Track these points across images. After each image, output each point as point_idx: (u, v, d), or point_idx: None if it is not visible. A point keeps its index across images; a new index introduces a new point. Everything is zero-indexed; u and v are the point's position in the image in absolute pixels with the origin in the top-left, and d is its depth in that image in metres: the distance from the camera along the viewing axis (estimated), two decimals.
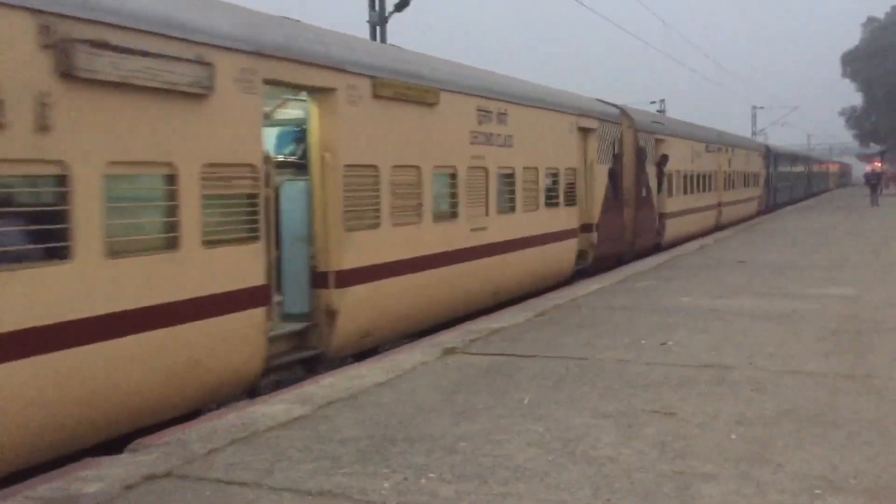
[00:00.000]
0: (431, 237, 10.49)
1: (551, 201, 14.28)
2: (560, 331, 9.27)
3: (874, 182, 42.84)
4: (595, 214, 16.30)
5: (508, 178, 12.71)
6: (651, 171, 20.37)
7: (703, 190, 26.32)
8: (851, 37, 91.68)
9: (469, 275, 11.32)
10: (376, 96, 9.35)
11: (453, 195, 11.13)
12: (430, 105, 10.44)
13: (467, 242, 11.31)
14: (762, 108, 75.67)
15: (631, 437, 5.44)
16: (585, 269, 15.90)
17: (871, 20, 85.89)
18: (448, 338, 9.09)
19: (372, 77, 9.30)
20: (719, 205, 28.83)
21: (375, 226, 9.37)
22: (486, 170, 11.84)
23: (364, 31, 19.35)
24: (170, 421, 6.45)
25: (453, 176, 11.09)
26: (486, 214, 11.90)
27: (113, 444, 6.11)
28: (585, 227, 15.97)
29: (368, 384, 7.01)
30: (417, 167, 10.20)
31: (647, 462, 4.96)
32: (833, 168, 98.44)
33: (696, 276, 14.01)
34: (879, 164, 61.10)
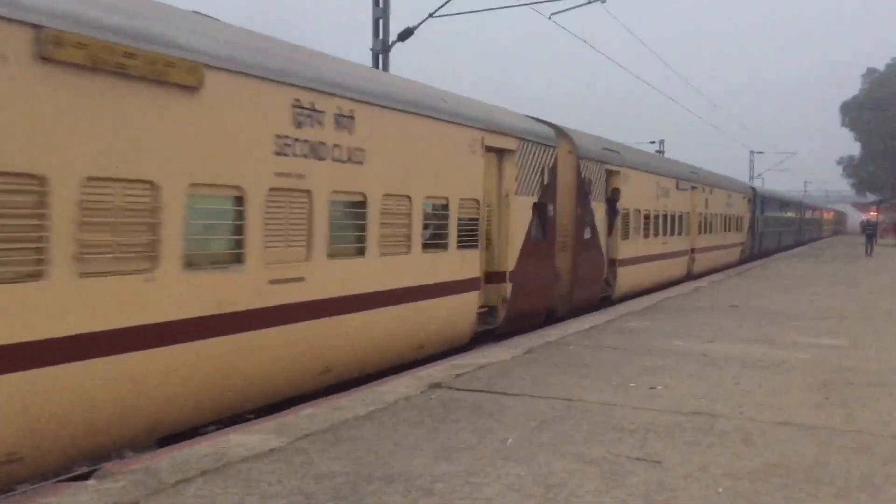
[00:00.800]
0: (176, 294, 6.92)
1: (435, 242, 10.93)
2: (548, 369, 9.11)
3: (870, 232, 42.78)
4: (510, 260, 12.78)
5: (354, 209, 9.34)
6: (598, 208, 17.02)
7: (671, 233, 22.91)
8: (851, 86, 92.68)
9: (266, 347, 7.95)
10: (47, 59, 5.79)
11: (236, 229, 7.64)
12: (185, 88, 6.95)
13: (262, 299, 7.85)
14: (761, 152, 75.98)
15: (614, 485, 5.28)
16: (495, 328, 12.58)
17: (870, 71, 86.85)
18: (434, 371, 8.93)
19: (38, 27, 5.73)
20: (692, 251, 25.68)
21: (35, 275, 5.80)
22: (308, 194, 8.42)
23: (367, 59, 19.38)
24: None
25: (238, 200, 7.60)
26: (307, 259, 8.45)
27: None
28: (495, 277, 12.60)
29: (349, 416, 6.84)
30: (152, 183, 6.67)
31: None
32: (827, 215, 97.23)
33: (688, 319, 13.88)
34: (875, 214, 61.43)
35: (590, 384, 8.35)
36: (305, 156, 8.40)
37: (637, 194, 19.58)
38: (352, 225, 9.38)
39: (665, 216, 22.22)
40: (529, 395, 7.77)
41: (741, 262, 34.04)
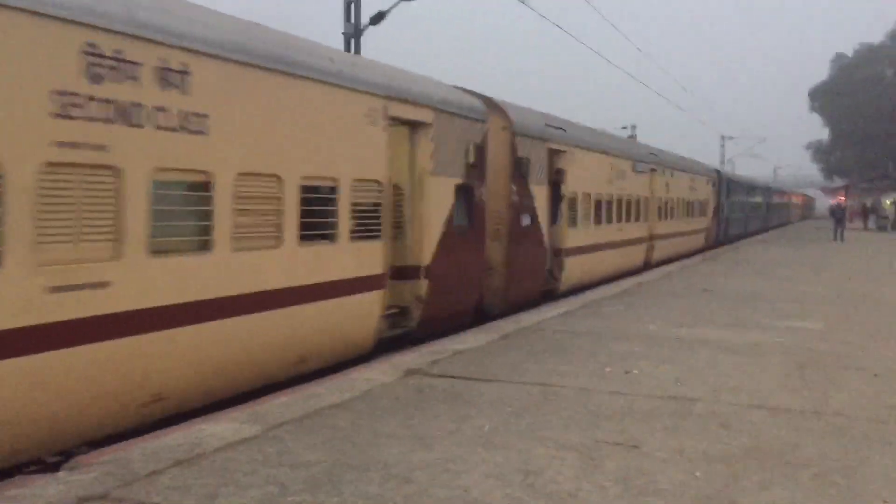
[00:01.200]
0: None
1: (320, 232, 8.96)
2: (524, 355, 9.08)
3: (839, 216, 41.89)
4: (426, 252, 10.99)
5: (193, 191, 7.49)
6: (540, 191, 15.18)
7: (627, 219, 21.29)
8: (820, 72, 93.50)
9: (51, 377, 6.08)
10: None
11: None
12: None
13: (36, 313, 5.92)
14: (732, 138, 76.47)
15: (593, 470, 5.25)
16: (408, 333, 10.86)
17: (839, 56, 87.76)
18: (409, 358, 8.86)
19: None
20: (650, 238, 24.06)
21: None
22: (114, 170, 6.49)
23: (339, 43, 19.19)
24: None
25: None
26: (115, 257, 6.52)
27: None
28: (407, 272, 10.87)
29: (324, 404, 6.76)
30: None
31: (609, 499, 4.77)
32: (795, 199, 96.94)
33: (662, 304, 13.92)
34: (843, 198, 62.00)
35: (566, 369, 8.33)
36: (108, 120, 6.42)
37: (587, 177, 17.81)
38: (189, 212, 7.45)
39: (620, 201, 20.62)
40: (506, 381, 7.73)
41: (706, 248, 32.54)
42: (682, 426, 6.33)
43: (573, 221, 17.09)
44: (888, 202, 62.18)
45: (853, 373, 8.49)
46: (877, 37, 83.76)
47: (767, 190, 60.99)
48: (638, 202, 22.41)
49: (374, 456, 5.44)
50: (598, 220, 18.86)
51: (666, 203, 25.89)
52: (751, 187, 50.47)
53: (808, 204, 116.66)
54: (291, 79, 8.44)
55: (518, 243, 14.21)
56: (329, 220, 9.15)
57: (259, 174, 8.00)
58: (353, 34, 19.59)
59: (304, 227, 8.60)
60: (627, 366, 8.53)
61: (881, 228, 55.74)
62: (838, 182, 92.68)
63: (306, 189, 8.64)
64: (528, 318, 12.01)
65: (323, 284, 8.99)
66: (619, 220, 20.64)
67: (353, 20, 19.61)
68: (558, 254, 16.43)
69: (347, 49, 19.28)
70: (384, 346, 10.29)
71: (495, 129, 13.58)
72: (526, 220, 14.57)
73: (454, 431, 6.05)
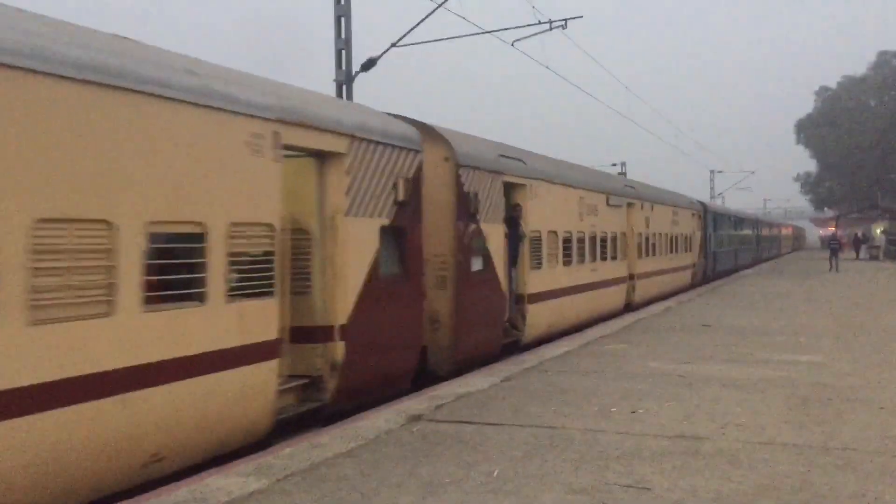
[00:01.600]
0: None
1: (177, 292, 6.98)
2: (527, 397, 9.03)
3: (835, 246, 41.89)
4: (341, 309, 9.15)
5: None
6: (495, 231, 13.27)
7: (603, 258, 19.37)
8: (805, 105, 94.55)
9: None
10: None
11: None
12: None
13: None
14: (721, 172, 77.02)
15: None
16: (321, 408, 9.00)
17: (823, 89, 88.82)
18: (413, 403, 8.80)
19: None
20: (631, 277, 22.16)
21: None
22: None
23: (332, 90, 19.35)
24: None
25: None
26: None
27: None
28: (318, 335, 9.07)
29: (329, 454, 6.69)
30: None
31: None
32: (786, 231, 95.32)
33: (662, 340, 13.90)
34: (833, 229, 62.32)
35: (571, 411, 8.28)
36: None
37: (552, 213, 15.90)
38: None
39: (594, 238, 18.67)
40: (512, 425, 7.68)
41: (693, 285, 30.57)
42: (692, 465, 6.28)
43: (537, 263, 15.07)
44: (878, 231, 62.52)
45: (858, 406, 8.45)
46: (860, 70, 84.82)
47: (756, 222, 59.17)
48: (615, 239, 20.51)
49: None
50: (567, 261, 16.84)
51: (647, 239, 23.85)
52: (738, 220, 49.06)
53: (799, 235, 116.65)
54: (128, 95, 6.46)
55: (469, 291, 12.15)
56: (193, 275, 7.15)
57: (78, 220, 6.04)
58: (345, 80, 19.78)
59: (150, 286, 6.61)
60: (632, 405, 8.48)
61: (873, 258, 55.99)
62: (828, 213, 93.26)
63: (156, 237, 6.71)
64: (528, 359, 11.96)
65: (180, 360, 6.88)
66: (594, 259, 18.65)
67: (344, 67, 19.81)
68: (520, 301, 14.42)
69: (339, 96, 19.45)
70: (292, 425, 8.51)
71: (434, 161, 11.73)
72: (477, 265, 12.61)
73: (462, 478, 5.99)
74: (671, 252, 27.32)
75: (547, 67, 22.69)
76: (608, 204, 19.89)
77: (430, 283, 11.70)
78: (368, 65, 20.05)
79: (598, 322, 17.87)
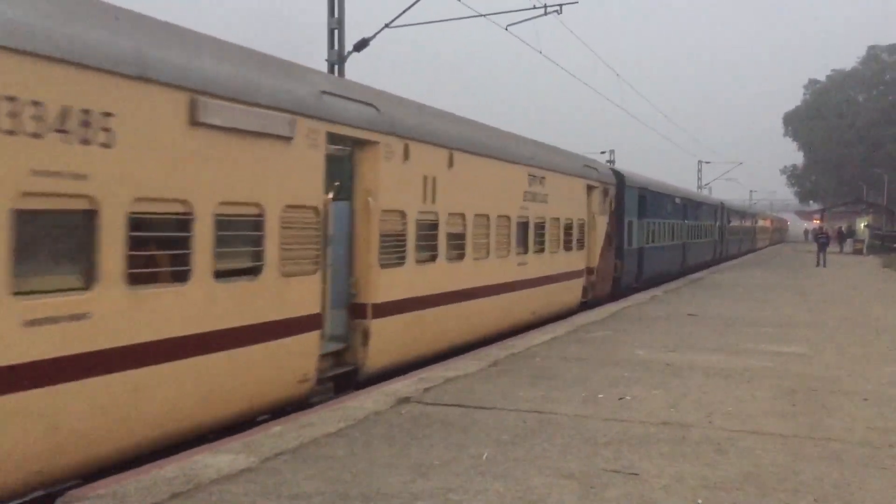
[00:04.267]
0: None
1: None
2: (515, 382, 9.06)
3: (823, 240, 39.02)
4: None
5: None
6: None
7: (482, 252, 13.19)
8: (794, 98, 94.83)
9: None
10: None
11: None
12: None
13: None
14: (708, 162, 77.03)
15: (594, 499, 5.24)
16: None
17: (812, 82, 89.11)
18: (401, 386, 8.82)
19: None
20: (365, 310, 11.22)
21: None
22: None
23: (322, 68, 19.24)
24: None
25: None
26: None
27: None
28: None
29: (319, 434, 6.70)
30: None
31: None
32: (763, 222, 77.29)
33: (649, 329, 13.96)
34: (818, 221, 62.43)
35: (559, 396, 8.32)
36: None
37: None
38: None
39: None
40: (500, 409, 7.71)
41: (590, 302, 19.40)
42: (680, 452, 6.33)
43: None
44: (862, 225, 62.98)
45: (843, 397, 8.54)
46: (850, 64, 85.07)
47: (717, 210, 44.87)
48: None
49: (373, 486, 5.39)
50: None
51: (440, 226, 12.08)
52: (691, 203, 35.37)
53: (779, 227, 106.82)
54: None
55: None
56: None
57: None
58: (337, 60, 19.66)
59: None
60: (620, 392, 8.53)
61: (857, 252, 56.34)
62: (814, 206, 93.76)
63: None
64: (517, 344, 11.99)
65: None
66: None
67: (336, 47, 19.68)
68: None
69: (332, 74, 19.34)
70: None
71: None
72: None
73: (452, 460, 6.01)
74: (521, 249, 15.24)
75: (540, 52, 22.61)
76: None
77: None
78: (361, 45, 19.94)
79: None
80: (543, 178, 16.30)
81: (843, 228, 66.65)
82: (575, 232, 18.37)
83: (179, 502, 5.03)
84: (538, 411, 7.62)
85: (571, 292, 18.28)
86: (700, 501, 5.22)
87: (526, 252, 15.43)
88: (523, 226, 15.28)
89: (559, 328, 14.05)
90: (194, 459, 5.99)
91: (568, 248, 17.93)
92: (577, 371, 9.77)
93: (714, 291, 22.71)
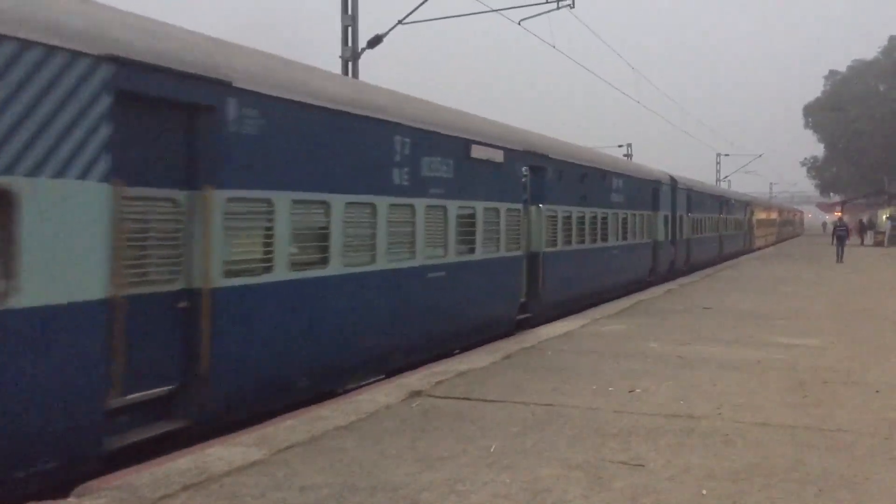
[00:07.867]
0: None
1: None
2: (527, 375, 9.11)
3: (842, 233, 36.61)
4: None
5: None
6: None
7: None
8: (814, 89, 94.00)
9: None
10: None
11: None
12: None
13: None
14: (727, 155, 76.53)
15: (600, 489, 5.29)
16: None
17: (832, 73, 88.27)
18: (413, 379, 8.89)
19: None
20: None
21: None
22: None
23: (336, 66, 19.33)
24: None
25: None
26: None
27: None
28: None
29: (330, 427, 6.79)
30: None
31: None
32: (773, 215, 67.57)
33: (663, 322, 13.96)
34: (839, 214, 61.82)
35: (569, 388, 8.36)
36: None
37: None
38: None
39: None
40: (510, 402, 7.76)
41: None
42: (687, 444, 6.36)
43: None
44: (884, 217, 62.30)
45: (854, 389, 8.52)
46: (871, 54, 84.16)
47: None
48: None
49: (381, 478, 5.46)
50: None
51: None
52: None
53: (792, 220, 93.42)
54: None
55: None
56: None
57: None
58: (351, 57, 19.74)
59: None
60: (630, 384, 8.56)
61: (878, 244, 55.78)
62: (834, 198, 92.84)
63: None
64: (529, 339, 12.03)
65: None
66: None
67: (350, 44, 19.76)
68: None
69: (345, 73, 19.42)
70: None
71: None
72: None
73: (460, 452, 6.08)
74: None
75: (553, 47, 22.58)
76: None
77: None
78: (374, 42, 20.01)
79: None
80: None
81: (863, 220, 65.95)
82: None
83: (191, 494, 5.12)
84: (548, 404, 7.67)
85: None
86: (705, 492, 5.26)
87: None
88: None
89: (573, 322, 14.08)
90: (207, 452, 6.09)
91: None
92: (588, 364, 9.80)
93: (732, 284, 22.59)
